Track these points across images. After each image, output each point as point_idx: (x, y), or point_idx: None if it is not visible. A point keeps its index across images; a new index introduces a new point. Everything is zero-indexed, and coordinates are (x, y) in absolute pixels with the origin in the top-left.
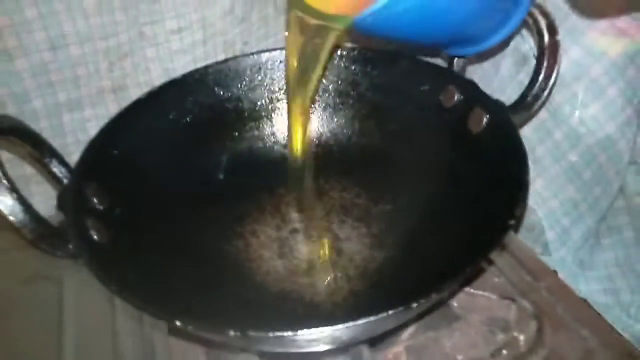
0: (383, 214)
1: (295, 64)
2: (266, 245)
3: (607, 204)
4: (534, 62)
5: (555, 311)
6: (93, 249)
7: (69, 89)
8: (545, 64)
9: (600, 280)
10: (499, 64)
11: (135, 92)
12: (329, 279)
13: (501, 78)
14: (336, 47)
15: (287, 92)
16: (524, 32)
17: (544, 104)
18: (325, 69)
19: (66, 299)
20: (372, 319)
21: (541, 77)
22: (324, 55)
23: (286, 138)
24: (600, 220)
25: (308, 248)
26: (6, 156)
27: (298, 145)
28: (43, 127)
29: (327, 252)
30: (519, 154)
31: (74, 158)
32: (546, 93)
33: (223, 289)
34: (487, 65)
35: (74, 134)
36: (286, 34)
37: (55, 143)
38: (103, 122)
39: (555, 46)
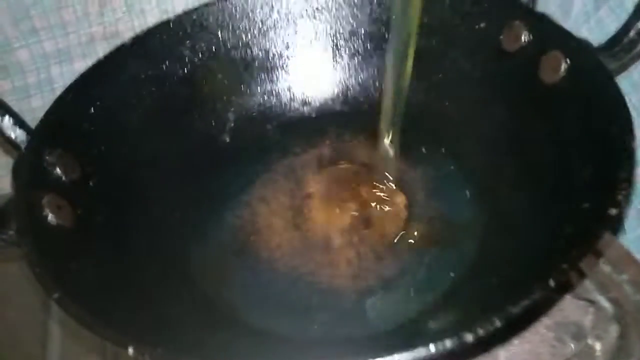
0: (424, 180)
1: None
2: (277, 213)
3: None
4: None
5: None
6: (44, 233)
7: (56, 36)
8: None
9: None
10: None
11: None
12: (352, 256)
13: (575, 16)
14: None
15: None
16: None
17: None
18: None
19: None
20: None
21: None
22: None
23: (305, 93)
24: None
25: (327, 216)
26: None
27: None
28: (30, 83)
29: (351, 223)
30: (618, 111)
31: None
32: None
33: (218, 280)
34: (556, 1)
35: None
36: None
37: (44, 101)
38: None
39: None
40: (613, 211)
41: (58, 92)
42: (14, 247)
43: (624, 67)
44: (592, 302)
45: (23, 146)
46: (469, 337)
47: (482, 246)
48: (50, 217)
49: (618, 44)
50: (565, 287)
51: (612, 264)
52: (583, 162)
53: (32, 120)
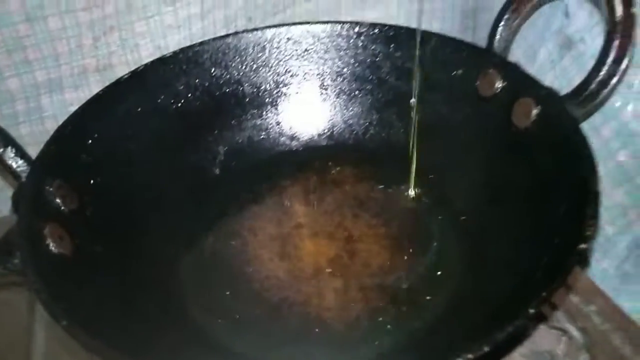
0: (405, 212)
1: None
2: (265, 244)
3: None
4: (580, 47)
5: (608, 341)
6: (46, 263)
7: (48, 67)
8: (616, 43)
9: None
10: (537, 49)
11: (122, 72)
12: (338, 287)
13: (540, 64)
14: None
15: None
16: (570, 10)
17: (610, 93)
18: None
19: (38, 310)
20: None
21: (609, 60)
22: None
23: (293, 128)
24: None
25: (314, 248)
26: None
27: None
28: (19, 110)
29: (337, 253)
30: (582, 155)
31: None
32: (615, 80)
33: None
34: (522, 49)
35: (54, 118)
36: None
37: (33, 129)
38: None
39: (629, 20)
40: (583, 245)
41: (47, 121)
42: (18, 275)
43: (587, 115)
44: (564, 332)
45: (23, 176)
46: None
47: (464, 279)
48: (52, 246)
49: (582, 93)
50: (541, 317)
51: (580, 295)
52: (555, 201)
53: None
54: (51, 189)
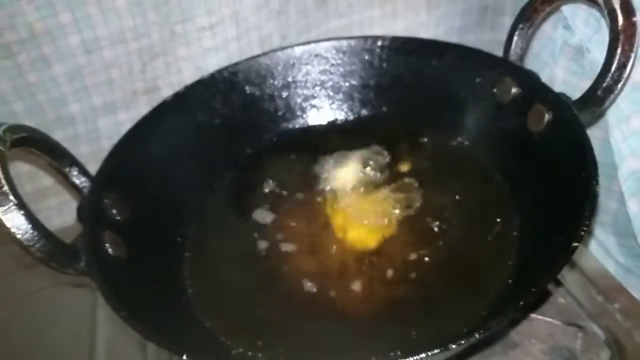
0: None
1: None
2: (296, 240)
3: None
4: (588, 55)
5: (631, 338)
6: (106, 265)
7: (103, 92)
8: (619, 51)
9: None
10: (545, 58)
11: (167, 93)
12: (363, 280)
13: (550, 72)
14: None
15: None
16: (570, 23)
17: (616, 98)
18: None
19: (99, 305)
20: None
21: (614, 67)
22: None
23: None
24: None
25: (340, 244)
26: (23, 168)
27: None
28: (80, 132)
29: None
30: (586, 160)
31: None
32: (620, 85)
33: (248, 303)
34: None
35: (109, 138)
36: None
37: (92, 148)
38: None
39: (631, 29)
40: (576, 244)
41: (103, 140)
42: (84, 276)
43: (597, 118)
44: (580, 328)
45: (85, 191)
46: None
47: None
48: (110, 251)
49: (590, 99)
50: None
51: (604, 294)
52: (557, 200)
53: None
54: (108, 202)
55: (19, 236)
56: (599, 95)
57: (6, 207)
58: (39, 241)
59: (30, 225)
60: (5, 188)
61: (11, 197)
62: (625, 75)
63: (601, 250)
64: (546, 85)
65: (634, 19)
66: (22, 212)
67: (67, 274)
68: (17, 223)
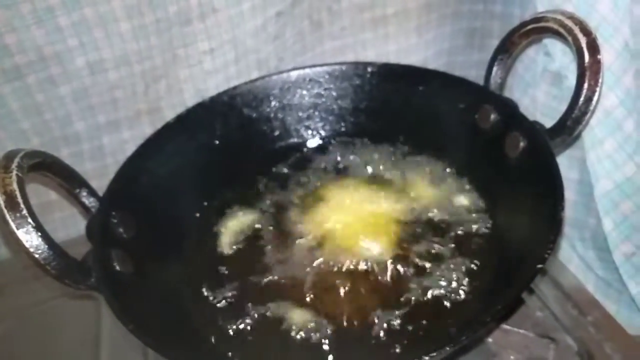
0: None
1: None
2: (298, 254)
3: None
4: (566, 81)
5: (601, 349)
6: (114, 280)
7: (108, 111)
8: (585, 85)
9: None
10: (526, 85)
11: (169, 114)
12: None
13: (531, 98)
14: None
15: None
16: (550, 50)
17: (584, 128)
18: None
19: (104, 315)
20: None
21: (581, 100)
22: None
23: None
24: None
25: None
26: (30, 184)
27: None
28: (85, 149)
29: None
30: (554, 187)
31: None
32: (587, 117)
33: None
34: (520, 84)
35: (113, 155)
36: None
37: (96, 164)
38: (139, 143)
39: (596, 66)
40: (539, 266)
41: (108, 158)
42: (94, 291)
43: (570, 143)
44: (552, 340)
45: (94, 210)
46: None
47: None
48: (118, 267)
49: (561, 128)
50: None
51: (579, 307)
52: (527, 224)
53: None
54: (115, 220)
55: (37, 256)
56: (569, 125)
57: (25, 228)
58: (54, 260)
59: (47, 246)
60: (25, 212)
61: (30, 220)
62: (591, 108)
63: (582, 264)
64: (522, 114)
65: (598, 56)
66: (40, 233)
67: (80, 290)
68: (35, 243)
